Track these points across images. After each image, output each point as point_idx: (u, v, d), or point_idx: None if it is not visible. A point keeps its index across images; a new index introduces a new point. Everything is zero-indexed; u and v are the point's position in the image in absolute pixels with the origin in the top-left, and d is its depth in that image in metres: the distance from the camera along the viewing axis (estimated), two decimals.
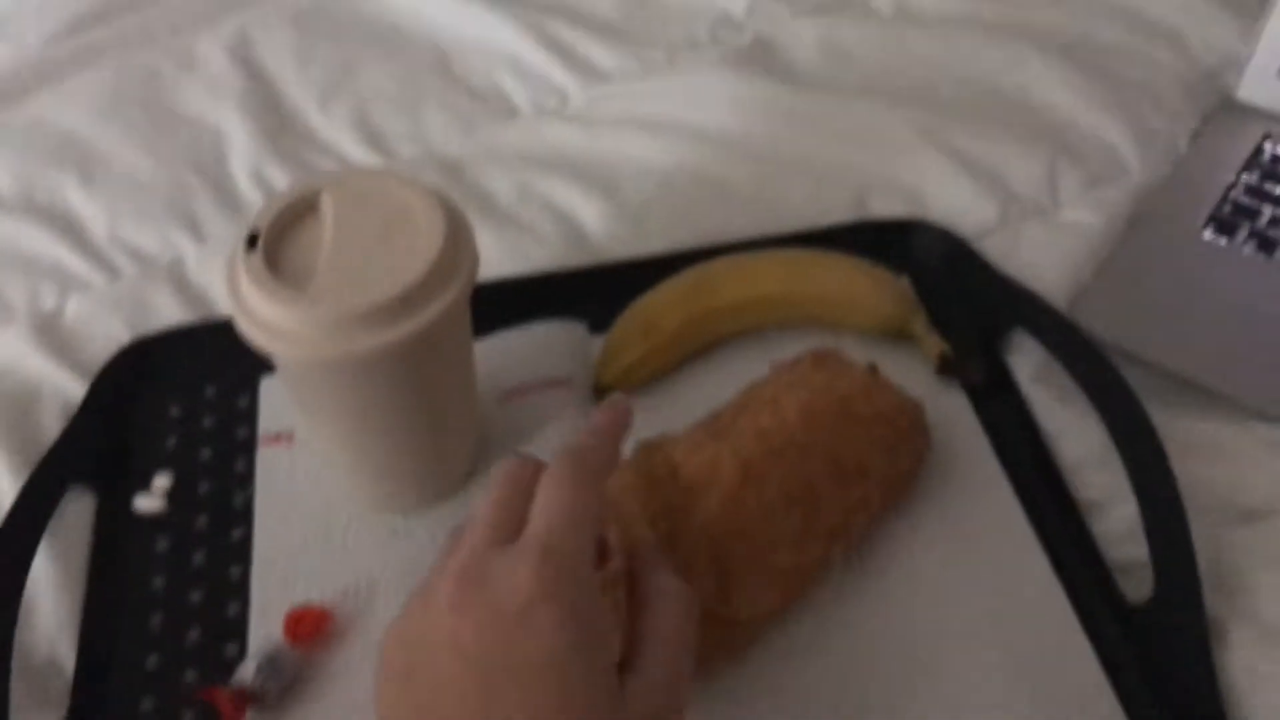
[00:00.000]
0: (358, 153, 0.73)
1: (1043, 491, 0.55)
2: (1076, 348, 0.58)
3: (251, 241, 0.49)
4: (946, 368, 0.60)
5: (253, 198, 0.70)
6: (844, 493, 0.52)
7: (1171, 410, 0.57)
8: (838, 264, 0.63)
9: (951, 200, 0.69)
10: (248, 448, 0.60)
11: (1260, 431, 0.57)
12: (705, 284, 0.61)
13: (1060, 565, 0.53)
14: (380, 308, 0.46)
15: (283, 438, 0.60)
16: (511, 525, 0.38)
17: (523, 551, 0.36)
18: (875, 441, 0.53)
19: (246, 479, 0.59)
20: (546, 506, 0.38)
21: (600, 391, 0.59)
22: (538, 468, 0.40)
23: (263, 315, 0.48)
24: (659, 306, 0.60)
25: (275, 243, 0.50)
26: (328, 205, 0.51)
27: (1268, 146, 0.72)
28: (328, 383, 0.51)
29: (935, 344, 0.60)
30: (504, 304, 0.62)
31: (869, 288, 0.62)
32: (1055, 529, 0.54)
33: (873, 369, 0.58)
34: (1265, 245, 0.66)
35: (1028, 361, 0.60)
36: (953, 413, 0.59)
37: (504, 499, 0.39)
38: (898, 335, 0.61)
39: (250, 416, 0.61)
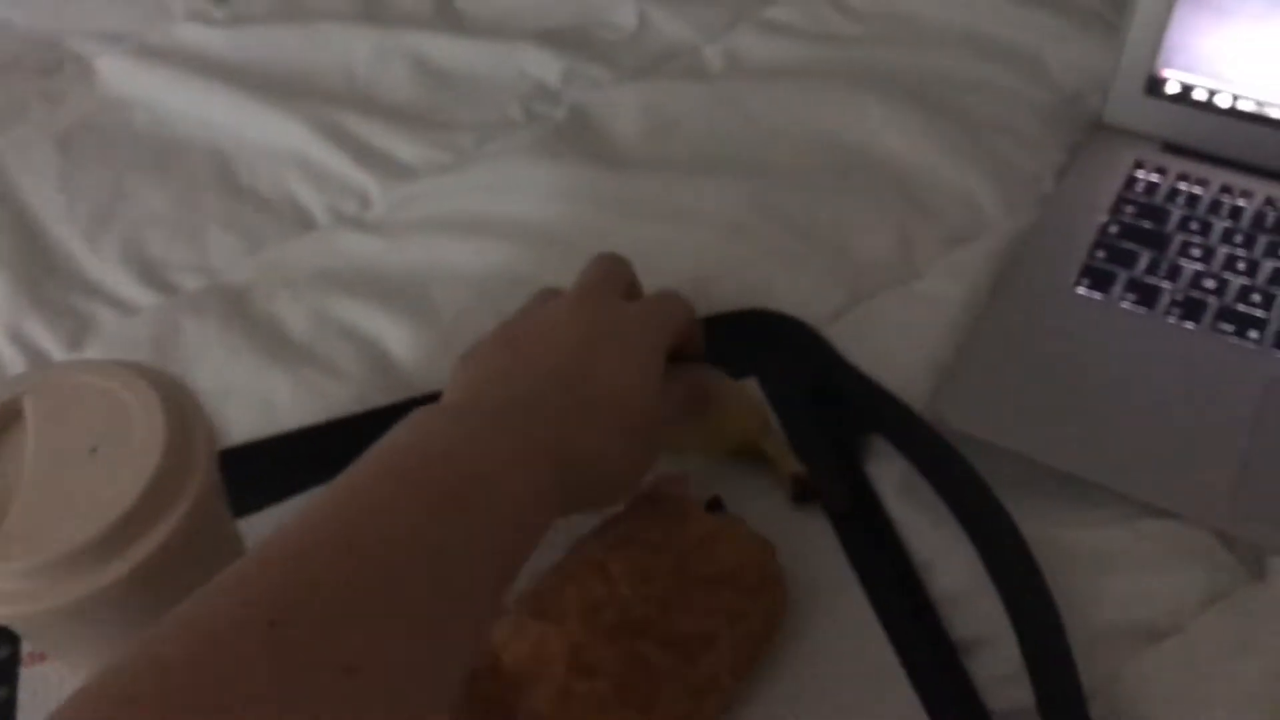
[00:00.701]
0: (132, 291, 0.64)
1: (919, 634, 0.48)
2: (937, 455, 0.51)
3: None
4: (803, 493, 0.52)
5: (12, 363, 0.61)
6: (689, 672, 0.45)
7: (1052, 512, 0.51)
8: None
9: (796, 281, 0.61)
10: (9, 670, 0.51)
11: (1153, 530, 0.50)
12: None
13: None
14: (84, 550, 0.39)
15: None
16: (622, 287, 0.50)
17: (637, 301, 0.50)
18: (720, 607, 0.46)
19: (8, 708, 0.50)
20: (660, 297, 0.51)
21: None
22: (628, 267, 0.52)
23: None
24: None
25: None
26: (30, 416, 0.43)
27: (1140, 175, 0.66)
28: (48, 633, 0.43)
29: (789, 465, 0.53)
30: (299, 460, 0.54)
31: (716, 403, 0.54)
32: (936, 679, 0.47)
33: (715, 504, 0.50)
34: (1145, 296, 0.59)
35: (891, 470, 0.53)
36: (813, 543, 0.51)
37: (609, 274, 0.50)
38: (747, 455, 0.54)
39: (11, 633, 0.52)
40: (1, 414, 0.43)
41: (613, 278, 0.50)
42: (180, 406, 0.42)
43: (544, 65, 0.75)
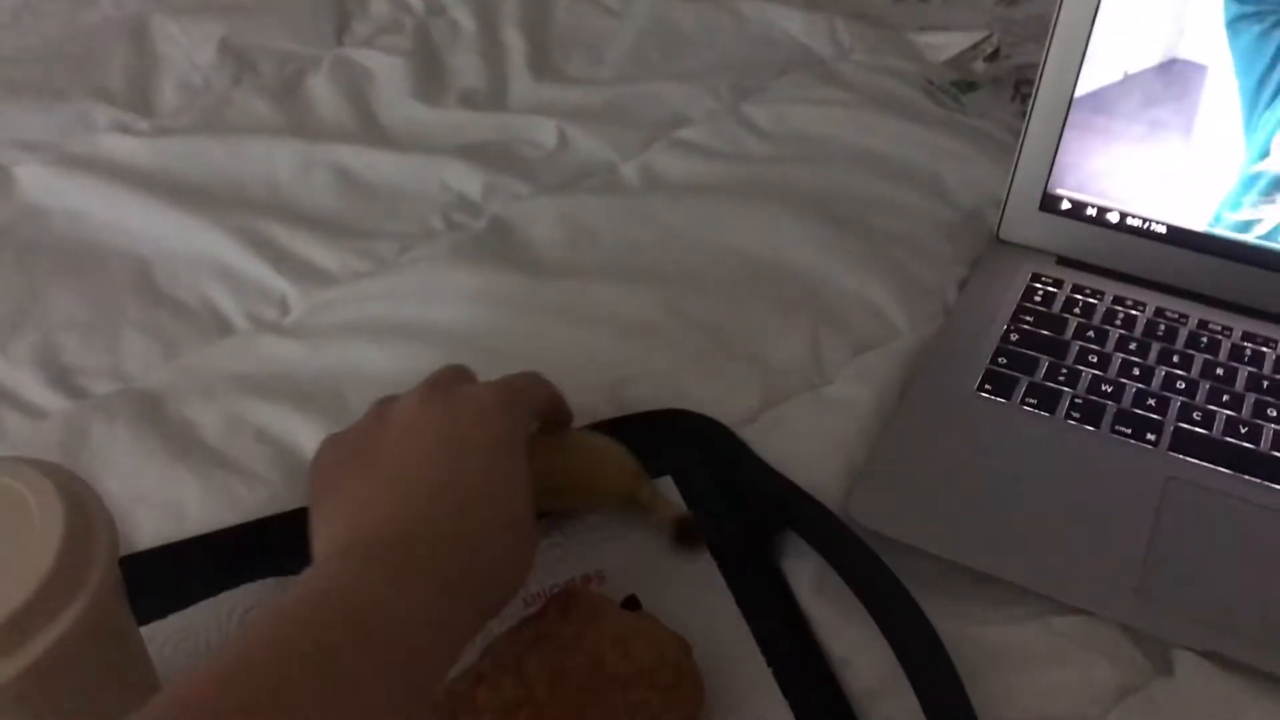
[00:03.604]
0: (42, 395, 0.63)
1: None
2: (850, 552, 0.52)
3: None
4: (685, 535, 0.53)
5: None
6: None
7: (965, 609, 0.52)
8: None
9: (712, 384, 0.63)
10: None
11: (1061, 626, 0.51)
12: None
13: None
14: None
15: None
16: (468, 377, 0.50)
17: (485, 383, 0.49)
18: (635, 706, 0.45)
19: None
20: (510, 376, 0.50)
21: None
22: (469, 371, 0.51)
23: None
24: None
25: None
26: None
27: (1037, 287, 0.69)
28: None
29: (667, 510, 0.53)
30: (209, 565, 0.53)
31: (587, 461, 0.55)
32: None
33: (630, 603, 0.50)
34: (1045, 402, 0.61)
35: (806, 567, 0.53)
36: (729, 641, 0.51)
37: (453, 371, 0.50)
38: (629, 505, 0.55)
39: None
40: None
41: (455, 373, 0.50)
42: (81, 503, 0.42)
43: (466, 179, 0.77)
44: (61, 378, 0.65)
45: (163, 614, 0.51)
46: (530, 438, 0.54)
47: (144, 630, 0.48)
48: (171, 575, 0.53)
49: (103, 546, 0.41)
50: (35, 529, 0.40)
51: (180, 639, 0.51)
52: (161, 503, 0.57)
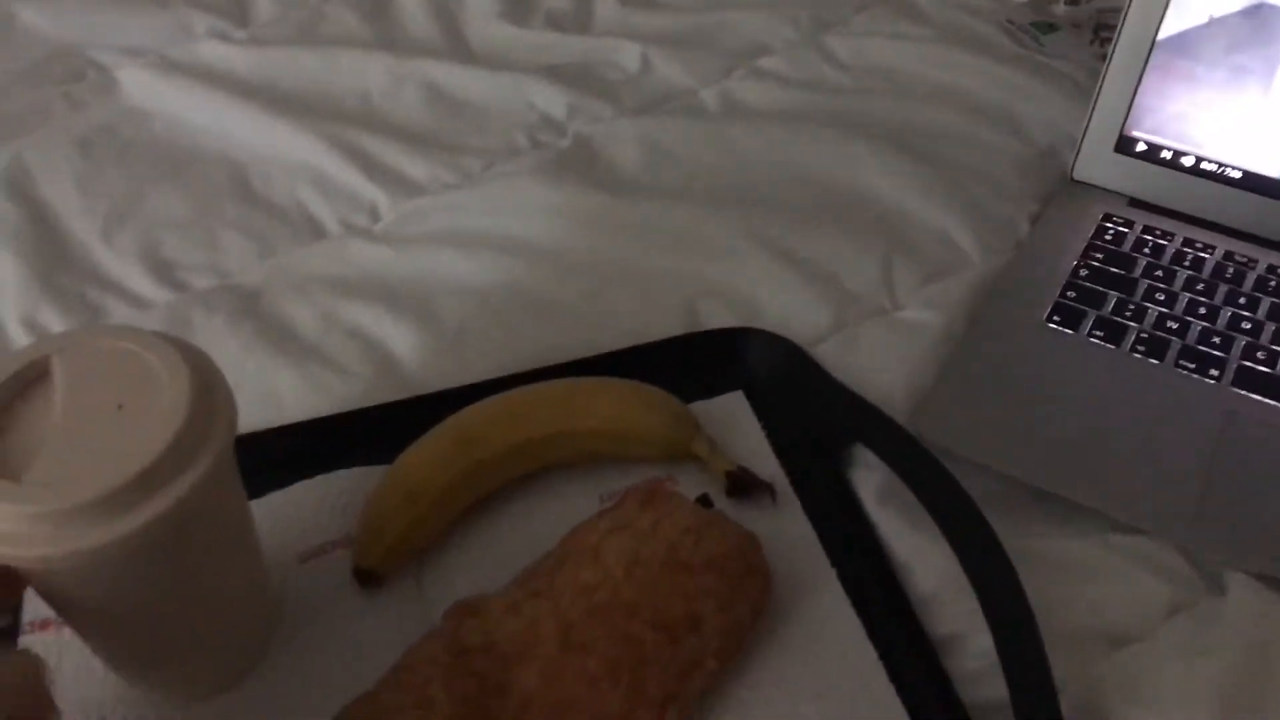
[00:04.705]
0: (145, 287, 0.66)
1: (896, 629, 0.50)
2: (918, 464, 0.54)
3: None
4: (736, 488, 0.55)
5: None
6: (675, 653, 0.46)
7: (1026, 525, 0.54)
8: (608, 392, 0.57)
9: (785, 305, 0.65)
10: (9, 637, 0.52)
11: (1119, 543, 0.53)
12: (468, 434, 0.55)
13: (919, 716, 0.48)
14: (106, 498, 0.40)
15: (51, 624, 0.53)
16: None
17: None
18: (706, 592, 0.48)
19: None
20: None
21: (362, 576, 0.51)
22: None
23: None
24: (418, 467, 0.53)
25: None
26: (58, 373, 0.44)
27: (1110, 226, 0.70)
28: (61, 583, 0.44)
29: (721, 463, 0.56)
30: (304, 450, 0.56)
31: (642, 414, 0.57)
32: (912, 671, 0.49)
33: (703, 501, 0.53)
34: (1112, 334, 0.63)
35: (871, 479, 0.56)
36: (795, 543, 0.53)
37: None
38: (683, 459, 0.56)
39: (13, 601, 0.53)
40: (29, 372, 0.45)
41: None
42: (203, 372, 0.45)
43: (551, 99, 0.79)
44: (163, 271, 0.68)
45: (262, 493, 0.54)
46: (587, 386, 0.57)
47: None
48: (270, 459, 0.57)
49: (224, 410, 0.44)
50: (162, 394, 0.43)
51: (278, 517, 0.54)
52: (259, 392, 0.60)
